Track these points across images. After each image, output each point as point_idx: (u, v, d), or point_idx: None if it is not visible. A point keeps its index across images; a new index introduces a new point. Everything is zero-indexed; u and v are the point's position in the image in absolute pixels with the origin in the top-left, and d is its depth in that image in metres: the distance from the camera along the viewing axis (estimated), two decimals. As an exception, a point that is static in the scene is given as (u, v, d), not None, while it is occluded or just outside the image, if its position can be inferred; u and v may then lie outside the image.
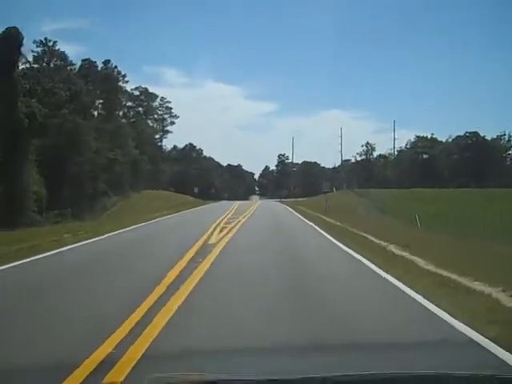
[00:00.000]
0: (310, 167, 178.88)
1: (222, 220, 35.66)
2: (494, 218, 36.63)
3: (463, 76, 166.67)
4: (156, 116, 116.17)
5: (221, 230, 25.77)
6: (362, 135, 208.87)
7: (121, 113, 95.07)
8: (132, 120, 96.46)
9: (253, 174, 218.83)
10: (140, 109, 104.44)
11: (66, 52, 74.75)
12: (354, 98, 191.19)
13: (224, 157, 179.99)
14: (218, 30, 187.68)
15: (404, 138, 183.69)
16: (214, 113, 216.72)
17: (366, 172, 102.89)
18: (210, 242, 20.24)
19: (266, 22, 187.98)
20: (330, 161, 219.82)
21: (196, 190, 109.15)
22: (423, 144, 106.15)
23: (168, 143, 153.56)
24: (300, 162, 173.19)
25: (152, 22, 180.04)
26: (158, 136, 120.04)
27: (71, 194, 58.69)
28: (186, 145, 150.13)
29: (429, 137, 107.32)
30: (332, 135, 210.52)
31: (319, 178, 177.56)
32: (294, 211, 56.08)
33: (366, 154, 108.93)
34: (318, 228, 31.19)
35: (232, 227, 28.01)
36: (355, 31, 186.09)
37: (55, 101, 60.73)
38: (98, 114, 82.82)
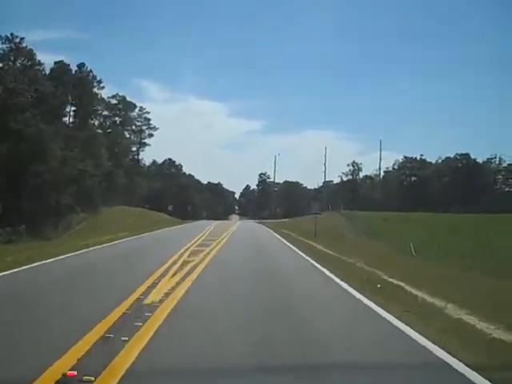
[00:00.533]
0: (291, 187, 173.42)
1: (190, 247, 29.06)
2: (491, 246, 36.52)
3: (452, 96, 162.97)
4: (134, 127, 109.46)
5: (180, 267, 17.59)
6: (345, 156, 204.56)
7: (96, 122, 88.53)
8: (108, 131, 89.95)
9: (233, 193, 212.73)
10: (117, 118, 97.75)
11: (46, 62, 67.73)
12: (338, 118, 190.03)
13: (204, 174, 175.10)
14: (203, 46, 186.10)
15: (389, 159, 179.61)
16: (196, 129, 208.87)
17: (352, 193, 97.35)
18: (146, 301, 11.12)
19: (251, 39, 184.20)
20: (313, 181, 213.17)
21: (170, 207, 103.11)
22: (412, 165, 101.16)
23: (146, 157, 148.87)
24: (282, 182, 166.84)
25: (136, 35, 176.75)
26: (134, 148, 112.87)
27: (31, 209, 52.25)
28: (165, 160, 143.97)
29: (418, 158, 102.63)
30: (315, 155, 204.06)
31: (301, 199, 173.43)
32: (277, 235, 49.81)
33: (352, 174, 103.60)
34: (309, 259, 25.07)
35: (197, 263, 19.41)
36: (341, 51, 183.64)
37: (19, 103, 54.44)
38: (70, 121, 76.58)
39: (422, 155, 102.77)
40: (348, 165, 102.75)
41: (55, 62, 73.42)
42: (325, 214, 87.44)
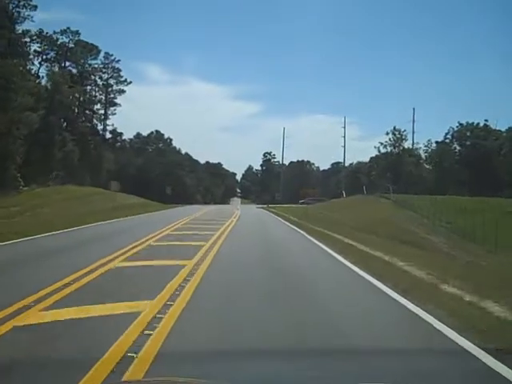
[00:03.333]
0: (300, 168, 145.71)
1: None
2: None
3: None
4: (98, 79, 79.65)
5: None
6: (347, 141, 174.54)
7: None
8: (47, 72, 60.88)
9: (234, 175, 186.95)
10: (52, 54, 68.03)
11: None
12: (339, 103, 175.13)
13: (203, 155, 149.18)
14: (206, 28, 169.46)
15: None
16: (197, 112, 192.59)
17: (394, 170, 68.26)
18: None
19: (254, 23, 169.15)
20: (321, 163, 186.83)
21: (169, 190, 74.48)
22: (476, 133, 72.03)
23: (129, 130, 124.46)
24: (287, 164, 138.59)
25: (139, 17, 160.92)
26: (101, 110, 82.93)
27: None
28: (152, 132, 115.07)
29: (480, 124, 73.14)
30: (318, 138, 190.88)
31: (310, 181, 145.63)
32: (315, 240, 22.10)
33: (393, 145, 73.57)
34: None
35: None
36: (345, 34, 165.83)
37: None
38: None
39: (486, 121, 74.06)
40: (387, 133, 73.55)
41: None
42: (360, 199, 59.50)
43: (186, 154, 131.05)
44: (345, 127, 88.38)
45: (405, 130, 70.84)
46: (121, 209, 44.53)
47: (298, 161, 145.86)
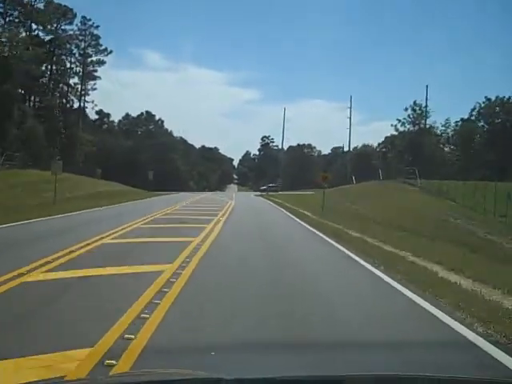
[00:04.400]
0: (299, 153, 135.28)
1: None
2: None
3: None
4: (74, 48, 67.33)
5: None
6: (344, 126, 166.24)
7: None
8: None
9: (231, 160, 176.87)
10: (16, 14, 56.71)
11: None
12: (338, 88, 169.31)
13: (199, 141, 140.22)
14: (204, 15, 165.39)
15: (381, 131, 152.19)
16: (195, 98, 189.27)
17: (416, 150, 56.97)
18: None
19: (252, 9, 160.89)
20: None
21: (151, 174, 63.80)
22: (507, 109, 60.72)
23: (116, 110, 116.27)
24: (286, 149, 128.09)
25: (137, 3, 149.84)
26: (77, 82, 70.94)
27: None
28: (142, 113, 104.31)
29: (505, 98, 61.71)
30: (318, 124, 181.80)
31: (312, 166, 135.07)
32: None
33: (413, 123, 62.90)
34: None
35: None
36: (344, 21, 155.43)
37: None
38: None
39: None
40: (406, 108, 62.32)
41: None
42: (375, 186, 49.23)
43: (181, 138, 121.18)
44: (351, 107, 78.19)
45: (426, 106, 60.18)
46: (85, 198, 34.41)
47: (298, 145, 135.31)
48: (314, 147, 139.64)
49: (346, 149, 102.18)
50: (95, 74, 68.44)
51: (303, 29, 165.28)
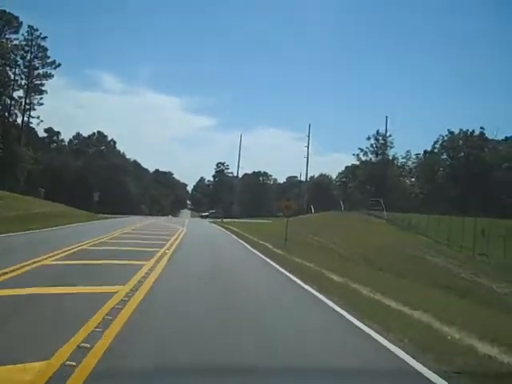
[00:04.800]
0: (255, 180, 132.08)
1: None
2: None
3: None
4: (19, 58, 61.98)
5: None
6: (299, 156, 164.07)
7: None
8: None
9: (185, 186, 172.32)
10: None
11: None
12: (294, 118, 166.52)
13: (153, 165, 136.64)
14: (160, 40, 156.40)
15: (339, 161, 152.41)
16: (150, 123, 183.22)
17: (379, 182, 53.84)
18: None
19: (207, 35, 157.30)
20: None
21: (97, 196, 58.74)
22: (471, 143, 58.17)
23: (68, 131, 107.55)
24: (241, 176, 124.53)
25: (92, 25, 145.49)
26: (21, 95, 64.82)
27: None
28: (93, 133, 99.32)
29: (473, 133, 59.05)
30: (273, 153, 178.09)
31: (267, 194, 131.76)
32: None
33: (376, 152, 60.61)
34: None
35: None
36: (303, 48, 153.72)
37: None
38: None
39: (482, 128, 59.83)
40: (368, 138, 58.42)
41: None
42: (336, 217, 45.93)
43: (134, 161, 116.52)
44: (309, 135, 75.26)
45: (390, 135, 57.50)
46: (11, 221, 29.81)
47: (253, 172, 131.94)
48: (270, 175, 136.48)
49: (302, 178, 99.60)
50: (42, 87, 63.22)
51: (261, 56, 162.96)
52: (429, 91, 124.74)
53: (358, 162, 58.95)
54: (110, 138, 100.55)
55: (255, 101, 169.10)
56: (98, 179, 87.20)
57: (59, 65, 62.82)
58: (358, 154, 57.73)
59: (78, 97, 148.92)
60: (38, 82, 62.69)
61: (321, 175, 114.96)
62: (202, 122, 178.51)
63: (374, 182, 55.27)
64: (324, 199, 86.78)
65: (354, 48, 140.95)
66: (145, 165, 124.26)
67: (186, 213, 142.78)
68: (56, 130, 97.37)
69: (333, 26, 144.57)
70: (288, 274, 13.79)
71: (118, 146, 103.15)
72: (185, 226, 38.28)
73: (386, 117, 59.13)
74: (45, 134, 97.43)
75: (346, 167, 70.50)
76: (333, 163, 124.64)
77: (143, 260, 13.92)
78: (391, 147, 57.22)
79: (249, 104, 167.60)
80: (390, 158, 58.23)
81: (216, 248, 22.06)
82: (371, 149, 56.82)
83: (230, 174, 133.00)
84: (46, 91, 63.64)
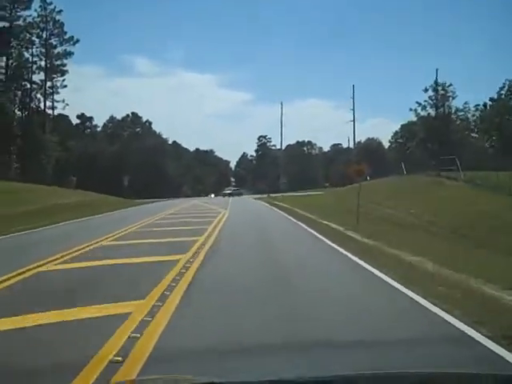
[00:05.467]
0: (299, 151, 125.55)
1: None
2: None
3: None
4: (34, 37, 55.70)
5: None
6: (338, 125, 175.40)
7: None
8: None
9: (228, 163, 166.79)
10: None
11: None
12: (328, 87, 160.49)
13: (194, 145, 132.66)
14: (191, 20, 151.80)
15: (378, 125, 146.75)
16: (187, 102, 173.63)
17: (441, 137, 45.91)
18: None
19: (239, 11, 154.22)
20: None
21: (126, 180, 53.04)
22: None
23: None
24: (285, 147, 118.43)
25: (122, 8, 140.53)
26: (39, 77, 58.62)
27: None
28: (127, 115, 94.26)
29: None
30: (313, 123, 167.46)
31: (314, 163, 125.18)
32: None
33: (435, 105, 49.40)
34: None
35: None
36: (335, 23, 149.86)
37: None
38: None
39: None
40: (425, 89, 48.92)
41: None
42: (400, 182, 39.26)
43: (174, 142, 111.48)
44: (353, 97, 67.40)
45: (450, 85, 49.49)
46: (21, 215, 24.55)
47: (297, 142, 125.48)
48: (315, 144, 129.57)
49: (348, 144, 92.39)
50: (63, 68, 57.53)
51: (293, 29, 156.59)
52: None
53: (415, 119, 51.47)
54: (145, 119, 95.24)
55: (291, 73, 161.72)
56: (134, 163, 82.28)
57: (78, 41, 56.68)
58: (415, 109, 50.12)
59: (113, 83, 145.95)
60: (59, 63, 57.08)
61: (368, 139, 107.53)
62: (238, 96, 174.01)
63: (436, 139, 47.90)
64: (375, 164, 79.72)
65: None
66: (185, 145, 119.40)
67: (229, 191, 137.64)
68: (88, 115, 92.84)
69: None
70: (412, 294, 7.44)
71: (154, 127, 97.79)
72: (228, 209, 32.12)
73: (437, 69, 51.18)
74: (78, 121, 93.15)
75: (402, 125, 62.86)
76: (372, 128, 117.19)
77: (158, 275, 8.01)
78: (453, 97, 49.45)
79: (285, 76, 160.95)
80: (453, 110, 50.51)
81: (271, 240, 15.64)
82: (430, 102, 49.18)
83: (273, 147, 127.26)
84: (67, 71, 57.89)
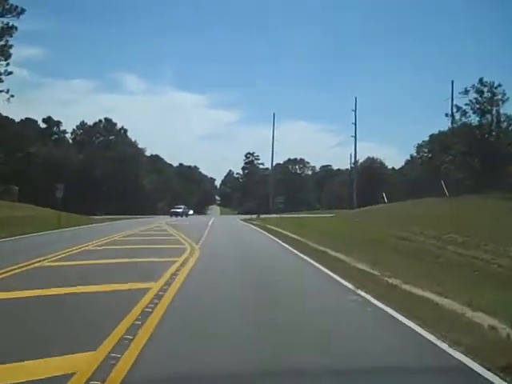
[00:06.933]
0: (288, 171, 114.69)
1: None
2: None
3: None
4: None
5: None
6: (323, 148, 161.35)
7: None
8: None
9: (213, 180, 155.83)
10: None
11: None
12: (315, 110, 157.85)
13: (178, 161, 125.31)
14: (182, 40, 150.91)
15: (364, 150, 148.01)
16: (175, 121, 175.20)
17: (485, 149, 34.77)
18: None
19: (231, 33, 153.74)
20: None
21: (59, 192, 39.03)
22: None
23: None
24: (274, 166, 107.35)
25: (115, 27, 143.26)
26: None
27: None
28: (100, 120, 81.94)
29: None
30: (302, 145, 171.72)
31: (304, 184, 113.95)
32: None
33: (481, 110, 36.70)
34: None
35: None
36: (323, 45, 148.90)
37: None
38: None
39: None
40: (465, 91, 34.91)
41: None
42: (440, 206, 27.67)
43: (156, 156, 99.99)
44: (355, 110, 56.22)
45: (499, 85, 37.82)
46: None
47: (289, 159, 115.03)
48: (308, 162, 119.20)
49: (337, 167, 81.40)
50: (7, 50, 43.43)
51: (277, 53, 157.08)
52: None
53: (448, 127, 39.58)
54: (119, 126, 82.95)
55: (279, 94, 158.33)
56: (102, 174, 70.12)
57: (23, 11, 41.86)
58: (451, 114, 38.10)
59: (103, 100, 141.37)
60: (2, 43, 43.88)
61: (368, 158, 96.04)
62: (226, 116, 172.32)
63: (479, 153, 36.23)
64: (380, 185, 68.51)
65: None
66: (168, 160, 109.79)
67: (215, 209, 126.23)
68: (56, 119, 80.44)
69: None
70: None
71: (130, 135, 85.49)
72: (200, 242, 19.39)
73: (452, 81, 39.98)
74: (44, 126, 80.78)
75: (430, 136, 50.86)
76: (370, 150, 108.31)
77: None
78: (503, 101, 37.44)
79: (272, 98, 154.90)
80: (502, 118, 38.53)
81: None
82: (473, 105, 37.25)
83: (261, 165, 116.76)
84: (10, 54, 43.81)
